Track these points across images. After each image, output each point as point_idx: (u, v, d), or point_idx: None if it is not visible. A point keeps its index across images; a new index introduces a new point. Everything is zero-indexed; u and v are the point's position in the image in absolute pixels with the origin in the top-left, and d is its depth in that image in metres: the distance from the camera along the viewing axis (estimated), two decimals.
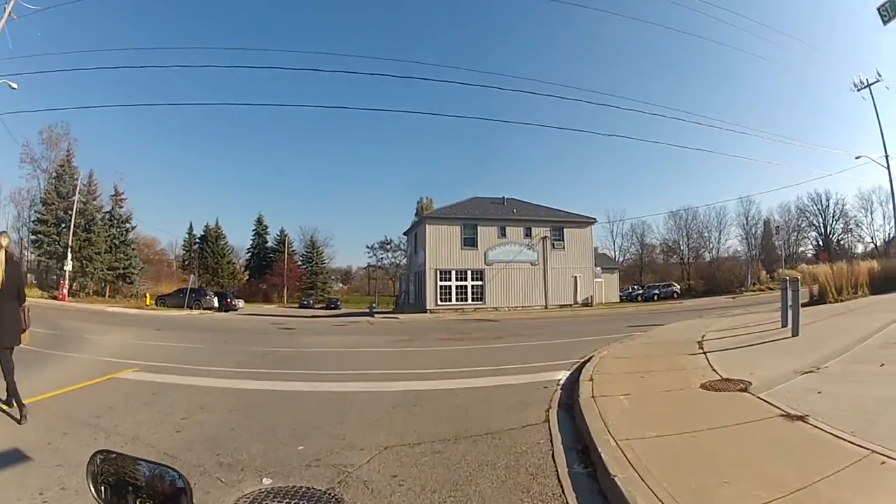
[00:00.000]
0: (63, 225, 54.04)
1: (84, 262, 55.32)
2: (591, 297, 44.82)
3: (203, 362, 11.83)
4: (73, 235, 52.16)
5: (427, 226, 42.99)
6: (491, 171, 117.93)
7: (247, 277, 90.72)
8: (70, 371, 10.02)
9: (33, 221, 59.40)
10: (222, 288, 74.28)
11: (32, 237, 59.44)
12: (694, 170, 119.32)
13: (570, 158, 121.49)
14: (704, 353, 9.97)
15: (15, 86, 27.68)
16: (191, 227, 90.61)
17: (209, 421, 6.57)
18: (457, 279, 42.06)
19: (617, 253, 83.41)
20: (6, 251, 6.78)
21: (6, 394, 6.79)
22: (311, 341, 18.16)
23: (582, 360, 10.64)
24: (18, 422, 6.47)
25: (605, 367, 9.15)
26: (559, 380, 8.81)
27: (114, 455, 1.51)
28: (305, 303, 74.24)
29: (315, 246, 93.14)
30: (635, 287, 67.07)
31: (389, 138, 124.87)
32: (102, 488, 1.46)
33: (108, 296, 57.53)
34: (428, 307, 40.64)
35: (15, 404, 6.77)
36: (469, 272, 42.38)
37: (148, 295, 52.02)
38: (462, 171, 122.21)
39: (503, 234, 43.75)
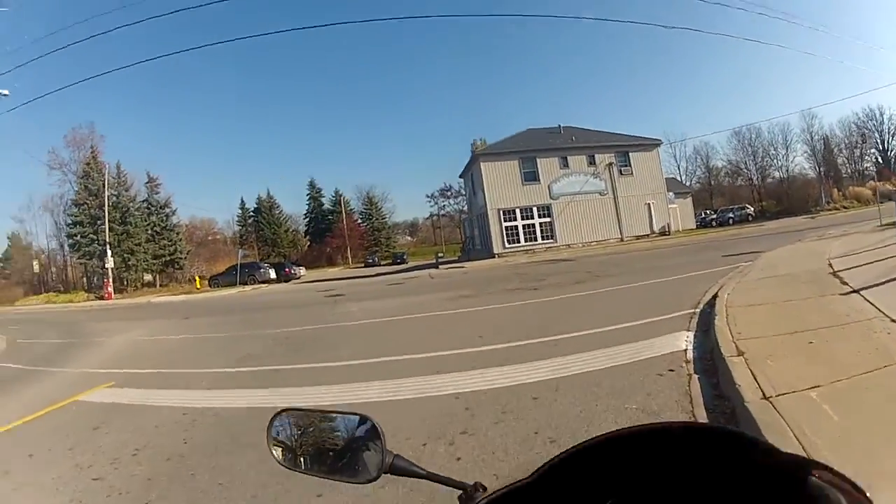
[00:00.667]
0: (99, 222, 53.18)
1: (126, 255, 54.93)
2: (668, 225, 41.10)
3: (200, 361, 10.77)
4: (110, 231, 51.10)
5: (482, 164, 39.78)
6: (538, 101, 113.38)
7: (308, 243, 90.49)
8: (35, 395, 9.06)
9: (68, 225, 59.34)
10: (285, 258, 74.56)
11: (69, 241, 59.50)
12: (752, 83, 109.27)
13: (620, 76, 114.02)
14: (857, 291, 7.55)
15: (6, 92, 26.82)
16: (242, 201, 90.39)
17: (123, 485, 4.69)
18: (522, 218, 38.98)
19: (683, 177, 78.03)
20: None
21: None
22: (352, 311, 16.35)
23: (697, 311, 8.61)
24: None
25: (742, 324, 6.68)
26: (685, 351, 6.43)
27: (297, 411, 1.50)
28: (370, 261, 73.37)
29: (373, 202, 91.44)
30: (708, 211, 62.20)
31: (439, 82, 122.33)
32: (292, 446, 1.45)
33: (160, 285, 57.21)
34: (495, 251, 38.08)
35: None
36: (535, 209, 39.17)
37: (197, 278, 50.45)
38: (513, 104, 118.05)
39: (565, 165, 39.99)
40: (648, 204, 40.59)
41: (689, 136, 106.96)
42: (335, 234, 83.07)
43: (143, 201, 61.50)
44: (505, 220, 38.76)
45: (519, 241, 38.78)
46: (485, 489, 1.07)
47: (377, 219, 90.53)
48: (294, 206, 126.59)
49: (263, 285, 43.11)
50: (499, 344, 8.38)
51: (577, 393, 5.50)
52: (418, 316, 13.42)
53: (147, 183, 62.15)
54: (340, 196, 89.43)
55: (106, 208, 50.95)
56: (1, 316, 40.39)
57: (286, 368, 8.87)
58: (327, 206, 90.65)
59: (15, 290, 66.58)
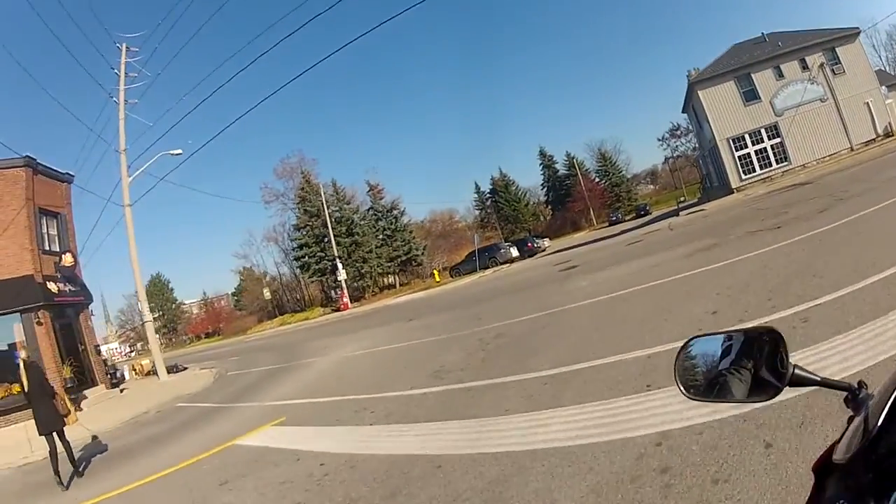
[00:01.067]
0: (325, 239, 55.04)
1: (358, 265, 57.28)
2: (890, 123, 36.17)
3: (388, 381, 10.19)
4: (338, 245, 52.98)
5: (699, 93, 38.32)
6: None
7: (550, 213, 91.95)
8: (203, 438, 9.76)
9: (294, 249, 63.61)
10: (529, 232, 75.59)
11: (297, 263, 64.24)
12: None
13: None
14: None
15: (179, 151, 27.14)
16: (476, 186, 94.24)
17: None
18: (753, 143, 37.10)
19: (887, 67, 66.06)
20: (25, 361, 9.06)
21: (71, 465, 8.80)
22: (581, 286, 15.17)
23: None
24: (65, 487, 8.24)
25: None
26: None
27: (705, 336, 1.51)
28: (614, 218, 73.04)
29: (606, 158, 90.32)
30: None
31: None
32: (697, 375, 1.47)
33: (402, 284, 59.56)
34: (733, 186, 37.01)
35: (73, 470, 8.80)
36: (762, 131, 37.09)
37: (435, 272, 51.25)
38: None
39: (780, 75, 37.03)
40: (867, 103, 36.02)
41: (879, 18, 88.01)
42: (575, 198, 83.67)
43: (369, 209, 65.12)
44: (736, 149, 37.40)
45: (754, 170, 37.20)
46: (866, 386, 1.12)
47: (614, 174, 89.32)
48: (530, 180, 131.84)
49: (505, 266, 42.43)
50: (754, 316, 6.81)
51: None
52: (650, 286, 11.61)
53: (369, 192, 65.65)
54: (572, 158, 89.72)
55: (329, 225, 52.97)
56: (229, 347, 44.95)
57: (478, 386, 7.84)
58: (562, 171, 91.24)
59: (248, 320, 74.27)
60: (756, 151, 37.36)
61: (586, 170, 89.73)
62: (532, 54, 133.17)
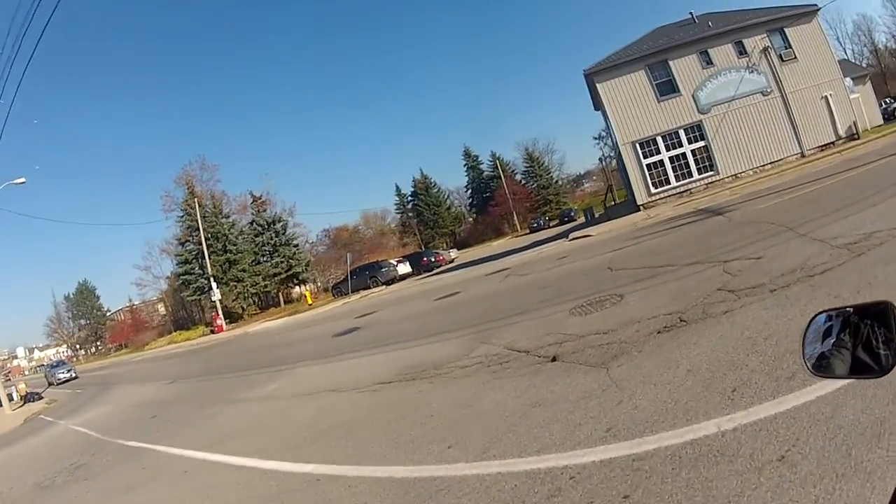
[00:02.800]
0: (203, 258, 52.33)
1: (232, 284, 54.07)
2: (854, 123, 27.50)
3: None
4: (211, 263, 50.78)
5: (598, 86, 28.65)
6: None
7: (473, 217, 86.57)
8: None
9: (176, 265, 59.23)
10: (454, 238, 75.19)
11: (179, 281, 60.02)
12: None
13: None
14: None
15: (22, 180, 27.62)
16: (397, 188, 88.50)
17: None
18: (667, 147, 27.74)
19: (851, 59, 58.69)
20: None
21: None
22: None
23: None
24: None
25: None
26: None
27: (829, 311, 1.50)
28: (535, 224, 67.33)
29: (533, 159, 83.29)
30: (888, 100, 45.31)
31: None
32: (824, 351, 1.47)
33: (286, 301, 57.02)
34: (639, 202, 27.98)
35: None
36: (681, 133, 27.69)
37: (307, 294, 48.25)
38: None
39: (708, 62, 27.73)
40: (826, 97, 27.20)
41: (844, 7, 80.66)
42: (498, 202, 77.79)
43: (251, 222, 59.94)
44: (645, 156, 27.85)
45: (668, 182, 27.81)
46: None
47: (542, 176, 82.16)
48: (455, 182, 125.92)
49: (383, 288, 37.72)
50: None
51: None
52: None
53: (252, 203, 60.42)
54: (497, 159, 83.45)
55: (203, 241, 50.57)
56: (105, 369, 45.02)
57: None
58: (487, 172, 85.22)
59: (149, 334, 73.90)
60: (672, 158, 27.88)
61: (512, 171, 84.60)
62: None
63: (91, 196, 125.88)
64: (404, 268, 43.41)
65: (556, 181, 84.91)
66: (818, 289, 5.94)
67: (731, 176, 26.69)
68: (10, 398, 29.51)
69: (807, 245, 7.99)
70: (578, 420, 4.34)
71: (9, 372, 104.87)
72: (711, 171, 27.35)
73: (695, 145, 27.51)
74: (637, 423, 3.98)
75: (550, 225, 66.31)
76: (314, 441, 6.48)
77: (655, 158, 27.67)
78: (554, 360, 6.38)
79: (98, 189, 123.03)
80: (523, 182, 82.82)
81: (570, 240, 26.59)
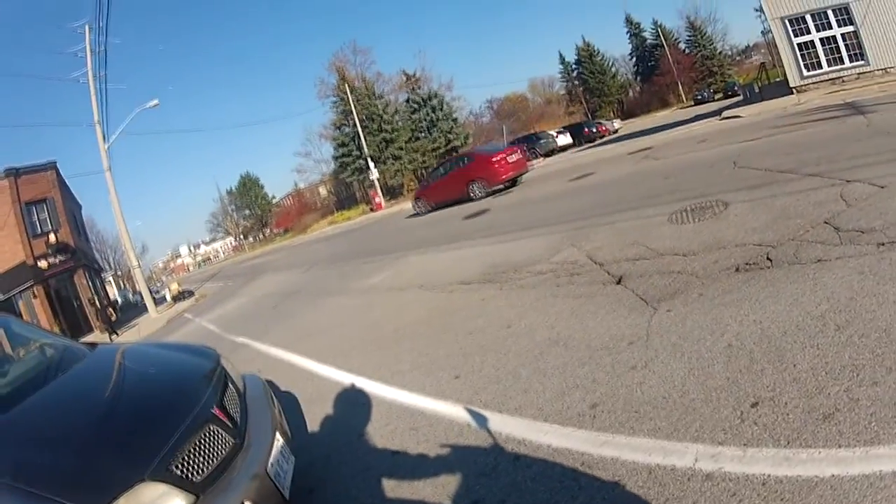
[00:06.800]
0: (360, 139, 53.06)
1: (390, 162, 54.48)
2: None
3: None
4: (367, 143, 51.55)
5: None
6: None
7: (640, 86, 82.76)
8: None
9: (334, 148, 59.72)
10: (621, 107, 75.34)
11: (337, 164, 60.59)
12: None
13: None
14: None
15: (156, 102, 26.89)
16: (561, 56, 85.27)
17: None
18: (816, 28, 22.98)
19: None
20: None
21: None
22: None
23: None
24: None
25: None
26: None
27: None
28: (699, 97, 62.56)
29: (695, 27, 75.98)
30: None
31: None
32: None
33: None
34: (792, 84, 24.04)
35: None
36: (829, 13, 22.55)
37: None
38: None
39: None
40: None
41: None
42: (662, 71, 73.93)
43: (407, 100, 59.13)
44: (795, 35, 23.49)
45: (820, 66, 23.30)
46: None
47: (705, 46, 74.99)
48: (618, 50, 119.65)
49: (541, 160, 35.67)
50: None
51: None
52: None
53: (406, 81, 59.72)
54: (659, 27, 77.62)
55: (357, 123, 51.59)
56: (259, 258, 45.09)
57: None
58: (650, 40, 79.84)
59: (311, 216, 74.78)
60: (822, 40, 23.17)
61: (675, 40, 78.13)
62: None
63: (251, 95, 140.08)
64: (564, 139, 42.52)
65: (720, 52, 77.03)
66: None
67: (881, 69, 22.00)
68: (163, 299, 30.91)
69: None
70: (577, 381, 3.65)
71: (172, 271, 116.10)
72: (862, 59, 22.66)
73: (844, 29, 22.60)
74: (626, 409, 3.15)
75: (715, 98, 61.76)
76: (364, 347, 6.51)
77: (806, 38, 23.27)
78: (619, 282, 5.63)
79: (260, 84, 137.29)
80: (686, 51, 76.32)
81: (721, 119, 24.41)
